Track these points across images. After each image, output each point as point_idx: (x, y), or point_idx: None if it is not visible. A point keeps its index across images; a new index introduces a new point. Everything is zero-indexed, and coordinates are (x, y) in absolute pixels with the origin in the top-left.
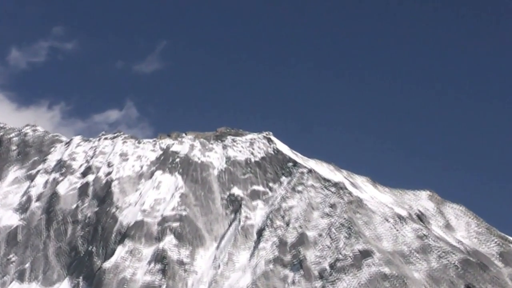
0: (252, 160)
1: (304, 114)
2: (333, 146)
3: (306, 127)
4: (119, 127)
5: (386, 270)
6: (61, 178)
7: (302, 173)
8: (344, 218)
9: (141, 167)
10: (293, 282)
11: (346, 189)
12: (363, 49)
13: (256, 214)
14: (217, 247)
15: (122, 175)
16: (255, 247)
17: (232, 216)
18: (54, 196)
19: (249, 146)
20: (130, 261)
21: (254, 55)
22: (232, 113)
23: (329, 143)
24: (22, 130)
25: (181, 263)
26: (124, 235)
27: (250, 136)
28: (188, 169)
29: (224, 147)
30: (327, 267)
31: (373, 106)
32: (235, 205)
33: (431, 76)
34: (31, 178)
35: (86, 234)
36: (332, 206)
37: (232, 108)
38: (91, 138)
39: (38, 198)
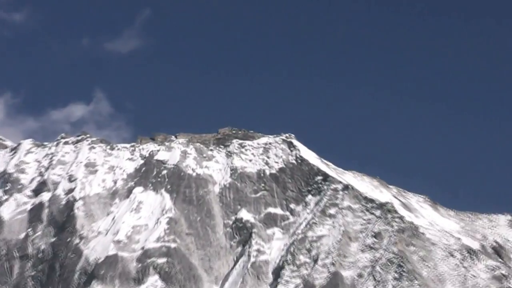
0: (267, 172)
1: (335, 110)
2: (378, 154)
3: (338, 128)
4: (85, 127)
5: None
6: (4, 197)
7: (336, 190)
8: (393, 253)
9: (115, 182)
10: None
11: (396, 212)
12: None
13: (272, 246)
14: None
15: (88, 193)
16: None
17: (239, 249)
18: None
19: (263, 153)
20: None
21: (268, 29)
22: (238, 109)
23: (371, 149)
24: None
25: None
26: (91, 276)
27: (264, 139)
28: (179, 185)
29: (229, 154)
30: None
31: (434, 97)
32: (243, 234)
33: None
34: None
35: (39, 274)
36: (377, 235)
37: (238, 103)
38: (46, 143)
39: None
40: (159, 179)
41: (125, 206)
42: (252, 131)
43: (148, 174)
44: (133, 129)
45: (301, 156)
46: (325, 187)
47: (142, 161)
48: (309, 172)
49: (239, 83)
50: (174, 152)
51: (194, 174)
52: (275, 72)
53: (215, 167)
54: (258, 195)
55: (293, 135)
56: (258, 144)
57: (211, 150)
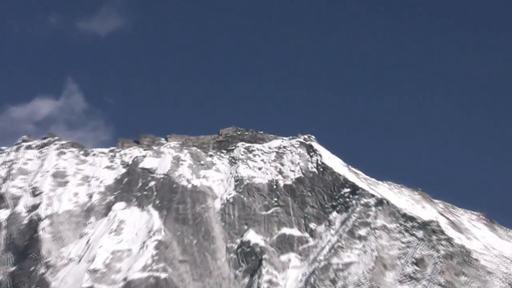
0: (281, 183)
1: (363, 107)
2: (419, 161)
3: (369, 129)
4: (52, 127)
5: None
6: None
7: (367, 205)
8: (440, 284)
9: (90, 196)
10: None
11: (443, 233)
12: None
13: (287, 276)
14: None
15: (56, 211)
16: None
17: (246, 280)
18: None
19: (276, 160)
20: None
21: (274, 6)
22: (243, 105)
23: (411, 155)
24: None
25: None
26: None
27: (277, 142)
28: (171, 199)
29: (233, 161)
30: None
31: (485, 102)
32: (251, 261)
33: None
34: None
35: None
36: (419, 262)
37: (243, 97)
38: (3, 147)
39: None
40: (145, 193)
41: (102, 227)
42: (261, 132)
43: (131, 186)
44: (113, 130)
45: (323, 163)
46: (354, 201)
47: (124, 170)
48: (333, 183)
49: (244, 72)
50: (164, 158)
51: (190, 186)
52: (287, 61)
53: (216, 177)
54: (269, 212)
55: (313, 136)
56: (270, 148)
57: (211, 155)
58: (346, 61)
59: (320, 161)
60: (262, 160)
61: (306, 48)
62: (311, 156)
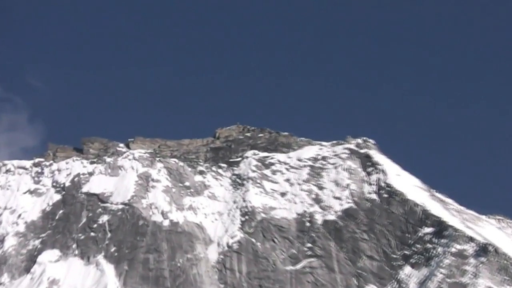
0: (318, 220)
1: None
2: None
3: (455, 137)
4: None
5: None
6: None
7: (463, 255)
8: None
9: (1, 240)
10: None
11: None
12: None
13: None
14: None
15: None
16: None
17: None
18: None
19: (311, 179)
20: None
21: None
22: (255, 95)
23: None
24: None
25: None
26: None
27: (311, 150)
28: (135, 245)
29: (238, 181)
30: None
31: None
32: None
33: None
34: None
35: None
36: None
37: (251, 82)
38: None
39: None
40: (92, 234)
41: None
42: (286, 134)
43: (69, 224)
44: (41, 130)
45: (389, 185)
46: (441, 249)
47: (57, 197)
48: (406, 219)
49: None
50: (123, 177)
51: (166, 223)
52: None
53: (211, 208)
54: (299, 266)
55: (371, 141)
56: (300, 159)
57: (202, 172)
58: None
59: (385, 182)
60: (288, 180)
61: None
62: (369, 174)
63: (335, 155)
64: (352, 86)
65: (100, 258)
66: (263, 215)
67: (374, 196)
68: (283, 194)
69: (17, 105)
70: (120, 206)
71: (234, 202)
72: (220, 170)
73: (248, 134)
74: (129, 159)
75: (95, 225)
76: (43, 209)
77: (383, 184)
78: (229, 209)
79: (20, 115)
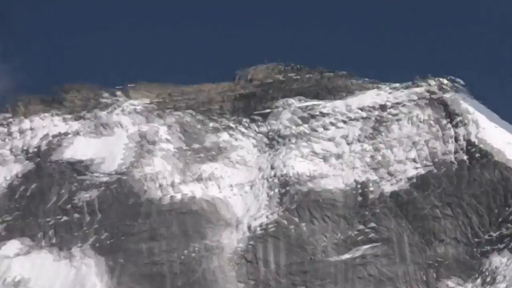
0: (382, 190)
1: None
2: None
3: None
4: None
5: None
6: None
7: None
8: None
9: None
10: None
11: None
12: None
13: None
14: None
15: None
16: None
17: None
18: None
19: (373, 136)
20: None
21: None
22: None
23: None
24: None
25: None
26: None
27: (374, 95)
28: (129, 231)
29: (274, 138)
30: None
31: None
32: None
33: None
34: None
35: None
36: None
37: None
38: None
39: None
40: (73, 216)
41: None
42: (343, 73)
43: (41, 204)
44: (5, 75)
45: (483, 142)
46: None
47: (29, 166)
48: (503, 188)
49: None
50: (117, 138)
51: (177, 198)
52: None
53: (236, 178)
54: (358, 254)
55: (459, 81)
56: (360, 108)
57: (225, 128)
58: None
59: (476, 137)
60: (344, 136)
61: None
62: (454, 126)
63: (408, 101)
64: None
65: (86, 248)
66: (309, 185)
67: (460, 157)
68: (337, 156)
69: None
70: (114, 177)
71: (271, 168)
72: (249, 125)
73: (292, 75)
74: (128, 113)
75: (79, 204)
76: (8, 182)
77: (473, 140)
78: (263, 179)
79: None
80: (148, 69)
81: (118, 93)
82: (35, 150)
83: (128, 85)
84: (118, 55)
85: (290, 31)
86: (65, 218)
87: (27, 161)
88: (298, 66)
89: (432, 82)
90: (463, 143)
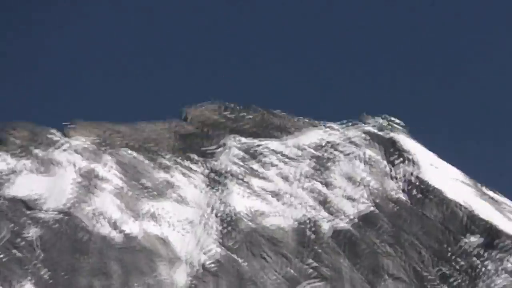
0: (324, 229)
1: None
2: None
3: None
4: None
5: None
6: None
7: None
8: None
9: None
10: None
11: None
12: None
13: None
14: None
15: None
16: None
17: None
18: None
19: (314, 175)
20: None
21: None
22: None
23: None
24: None
25: None
26: None
27: (314, 134)
28: (74, 268)
29: (215, 178)
30: None
31: None
32: None
33: None
34: None
35: None
36: None
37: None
38: None
39: None
40: (18, 255)
41: None
42: (280, 112)
43: None
44: None
45: (423, 181)
46: (492, 264)
47: None
48: (446, 224)
49: None
50: (61, 175)
51: (118, 237)
52: None
53: (178, 216)
54: None
55: (396, 121)
56: (300, 147)
57: (166, 168)
58: None
59: (416, 176)
60: (283, 176)
61: None
62: (395, 165)
63: (348, 141)
64: (364, 44)
65: (28, 286)
66: (250, 224)
67: (401, 196)
68: (277, 195)
69: None
70: (55, 215)
71: (211, 207)
72: (191, 165)
73: (229, 114)
74: (67, 151)
75: (21, 242)
76: None
77: (413, 179)
78: (204, 217)
79: None
80: (84, 108)
81: (56, 132)
82: None
83: (66, 125)
84: (53, 92)
85: (223, 70)
86: (12, 254)
87: None
88: (234, 105)
89: (370, 121)
90: (404, 182)
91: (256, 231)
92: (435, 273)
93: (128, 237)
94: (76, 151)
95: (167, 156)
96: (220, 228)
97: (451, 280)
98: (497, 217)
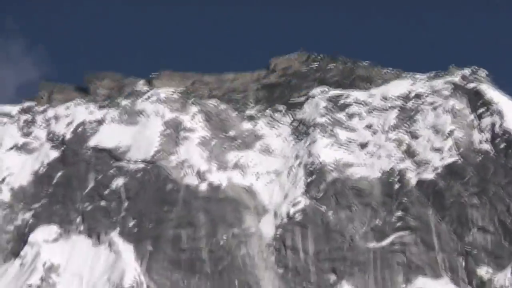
0: (411, 179)
1: None
2: None
3: None
4: None
5: None
6: None
7: None
8: None
9: None
10: None
11: None
12: None
13: None
14: None
15: None
16: None
17: None
18: None
19: (400, 125)
20: None
21: None
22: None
23: None
24: None
25: None
26: None
27: (401, 85)
28: (161, 218)
29: (301, 128)
30: None
31: None
32: None
33: None
34: None
35: None
36: None
37: None
38: None
39: None
40: (103, 203)
41: (8, 281)
42: (366, 63)
43: (72, 191)
44: (38, 64)
45: (510, 132)
46: None
47: (54, 153)
48: None
49: None
50: (145, 125)
51: (203, 186)
52: None
53: (264, 166)
54: (385, 242)
55: (484, 71)
56: (386, 98)
57: (251, 117)
58: None
59: (502, 127)
60: (369, 126)
61: None
62: (480, 116)
63: (434, 92)
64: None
65: (114, 235)
66: (336, 174)
67: (487, 146)
68: (363, 146)
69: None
70: (141, 165)
71: (297, 157)
72: (276, 114)
73: (315, 65)
74: (152, 101)
75: (106, 191)
76: (35, 170)
77: (499, 130)
78: (290, 167)
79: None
80: (171, 58)
81: (141, 82)
82: (60, 138)
83: (151, 74)
84: (142, 44)
85: (309, 20)
86: (100, 203)
87: (52, 149)
88: (320, 55)
89: (456, 72)
90: (489, 132)
91: (342, 182)
92: None
93: (214, 187)
94: (162, 102)
95: (253, 107)
96: (306, 179)
97: None
98: None
